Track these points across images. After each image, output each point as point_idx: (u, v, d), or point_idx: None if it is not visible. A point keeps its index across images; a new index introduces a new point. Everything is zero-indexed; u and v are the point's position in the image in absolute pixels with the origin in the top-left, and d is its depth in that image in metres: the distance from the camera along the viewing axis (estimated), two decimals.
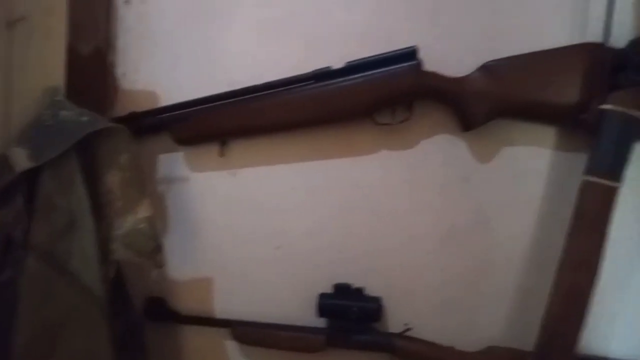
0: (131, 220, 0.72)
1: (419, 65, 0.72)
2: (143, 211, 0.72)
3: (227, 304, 0.86)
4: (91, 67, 0.87)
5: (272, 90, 0.78)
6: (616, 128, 0.64)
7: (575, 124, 0.68)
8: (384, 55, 0.73)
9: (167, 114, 0.83)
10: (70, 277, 0.68)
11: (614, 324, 0.73)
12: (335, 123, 0.78)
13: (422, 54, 0.72)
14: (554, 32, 0.71)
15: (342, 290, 0.79)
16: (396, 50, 0.73)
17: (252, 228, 0.85)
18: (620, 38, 0.66)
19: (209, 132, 0.81)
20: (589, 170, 0.65)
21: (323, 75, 0.75)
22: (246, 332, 0.82)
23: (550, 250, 0.67)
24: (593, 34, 0.68)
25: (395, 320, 0.79)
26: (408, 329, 0.77)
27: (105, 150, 0.72)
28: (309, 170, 0.82)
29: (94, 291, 0.69)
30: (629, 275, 0.73)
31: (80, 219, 0.69)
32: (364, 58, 0.74)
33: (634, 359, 0.72)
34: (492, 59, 0.71)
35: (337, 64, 0.75)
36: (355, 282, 0.79)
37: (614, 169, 0.64)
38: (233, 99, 0.80)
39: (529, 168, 0.74)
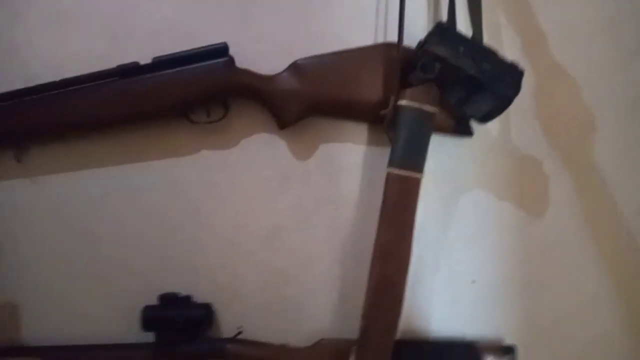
0: None
1: (230, 61, 0.69)
2: None
3: (37, 329, 0.74)
4: None
5: (73, 87, 0.68)
6: (411, 121, 0.66)
7: (379, 119, 0.70)
8: (194, 50, 0.68)
9: None
10: None
11: (430, 306, 0.77)
12: (145, 122, 0.71)
13: (235, 53, 0.69)
14: (359, 33, 0.73)
15: (169, 300, 0.72)
16: (207, 46, 0.69)
17: (60, 241, 0.74)
18: (415, 40, 0.69)
19: (1, 134, 0.69)
20: (391, 162, 0.67)
21: (129, 70, 0.68)
22: (59, 357, 0.71)
23: (367, 242, 0.67)
24: (395, 36, 0.70)
25: (227, 324, 0.75)
26: (240, 332, 0.74)
27: None
28: (123, 174, 0.74)
29: None
30: (438, 259, 0.77)
31: None
32: (173, 53, 0.68)
33: (452, 335, 0.76)
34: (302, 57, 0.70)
35: (145, 60, 0.68)
36: (183, 290, 0.73)
37: (413, 160, 0.67)
38: (28, 97, 0.68)
39: (344, 164, 0.75)
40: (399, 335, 0.68)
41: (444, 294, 0.77)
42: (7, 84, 0.70)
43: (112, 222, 0.74)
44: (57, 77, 0.69)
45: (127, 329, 0.73)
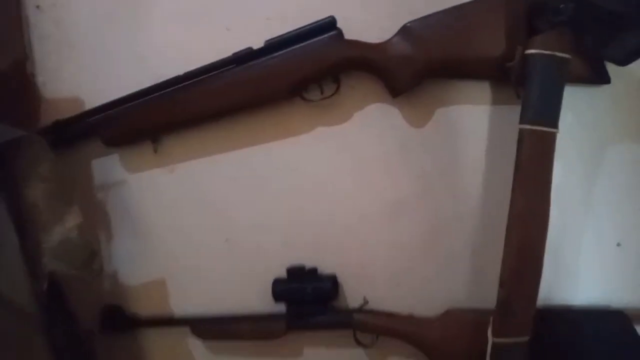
0: (60, 232, 0.61)
1: (339, 34, 0.63)
2: (71, 220, 0.61)
3: (184, 302, 0.76)
4: (11, 81, 0.74)
5: (194, 79, 0.67)
6: (542, 71, 0.56)
7: (504, 74, 0.60)
8: (303, 28, 0.64)
9: (92, 118, 0.71)
10: None
11: (573, 273, 0.67)
12: (264, 105, 0.68)
13: (341, 24, 0.63)
14: None
15: (296, 273, 0.70)
16: (314, 22, 0.63)
17: (197, 223, 0.75)
18: None
19: (137, 130, 0.71)
20: (523, 118, 0.57)
21: (244, 57, 0.65)
22: (206, 328, 0.74)
23: (499, 207, 0.59)
24: None
25: (352, 296, 0.72)
26: (366, 303, 0.70)
27: (23, 163, 0.61)
28: (247, 158, 0.72)
29: (26, 309, 0.59)
30: (580, 222, 0.66)
31: (2, 237, 0.59)
32: (283, 34, 0.64)
33: (596, 304, 0.66)
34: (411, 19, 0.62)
35: (258, 45, 0.65)
36: (309, 263, 0.70)
37: (548, 114, 0.57)
38: (157, 93, 0.69)
39: (465, 127, 0.67)
40: (540, 303, 0.59)
41: (587, 259, 0.66)
42: (138, 83, 0.71)
43: (243, 204, 0.73)
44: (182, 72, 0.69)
45: (260, 301, 0.73)
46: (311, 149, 0.71)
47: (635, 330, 0.62)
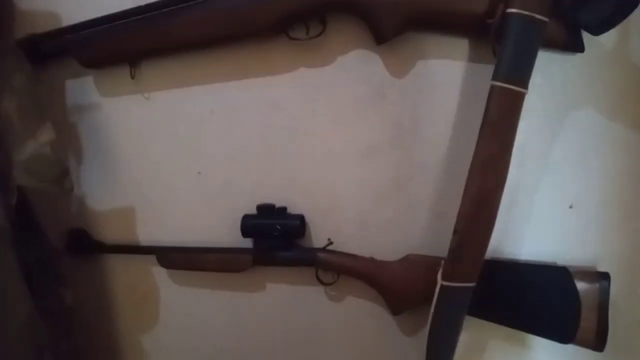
0: (32, 146, 0.62)
1: None
2: (44, 135, 0.62)
3: (151, 231, 0.79)
4: None
5: (180, 6, 0.67)
6: (520, 31, 0.59)
7: (484, 31, 0.63)
8: None
9: (70, 36, 0.71)
10: None
11: (523, 228, 0.72)
12: (248, 39, 0.70)
13: None
14: None
15: (266, 211, 0.73)
16: None
17: (171, 153, 0.76)
18: None
19: (115, 53, 0.71)
20: (496, 75, 0.60)
21: None
22: (172, 257, 0.76)
23: (464, 161, 0.62)
24: None
25: (318, 236, 0.75)
26: (330, 243, 0.74)
27: None
28: (226, 92, 0.74)
29: None
30: (536, 180, 0.71)
31: None
32: None
33: (543, 260, 0.71)
34: None
35: None
36: (278, 202, 0.73)
37: (520, 73, 0.60)
38: (140, 16, 0.69)
39: (442, 81, 0.70)
40: (489, 254, 0.64)
41: (538, 215, 0.71)
42: (119, 3, 0.70)
43: (217, 137, 0.75)
44: None
45: (228, 236, 0.76)
46: (291, 88, 0.72)
47: (575, 286, 0.67)
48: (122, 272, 0.81)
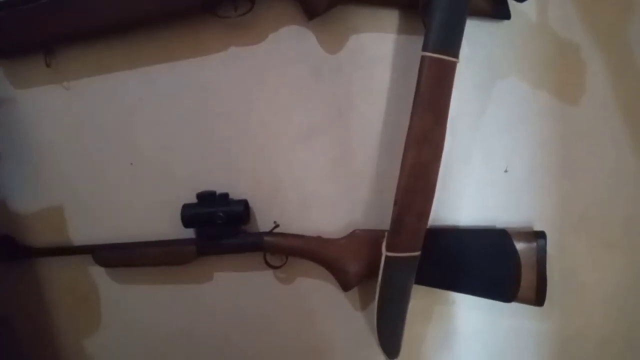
0: None
1: None
2: None
3: (85, 230, 0.77)
4: None
5: None
6: (447, 2, 0.62)
7: (415, 2, 0.66)
8: None
9: None
10: None
11: (461, 195, 0.77)
12: (173, 19, 0.69)
13: None
14: None
15: (207, 198, 0.73)
16: None
17: (98, 145, 0.75)
18: None
19: (26, 39, 0.68)
20: (426, 46, 0.64)
21: None
22: (109, 254, 0.75)
23: (401, 133, 0.66)
24: None
25: (264, 220, 0.77)
26: (276, 226, 0.76)
27: None
28: (155, 76, 0.73)
29: None
30: (471, 148, 0.76)
31: None
32: None
33: (482, 225, 0.77)
34: None
35: None
36: (220, 188, 0.74)
37: (449, 43, 0.64)
38: None
39: (375, 55, 0.73)
40: (430, 223, 0.69)
41: (475, 182, 0.76)
42: None
43: (148, 125, 0.74)
44: None
45: (170, 228, 0.76)
46: (223, 69, 0.73)
47: (514, 246, 0.72)
48: (56, 275, 0.79)
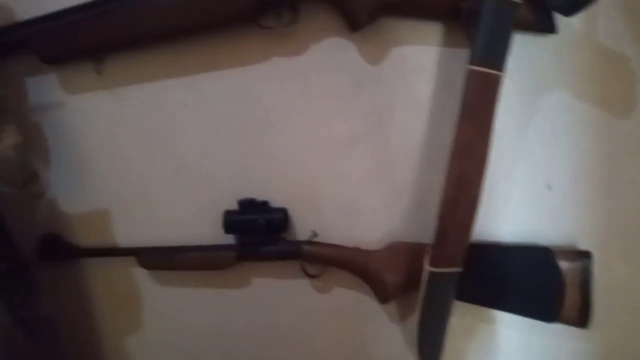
0: None
1: None
2: (8, 138, 0.62)
3: (129, 232, 0.80)
4: None
5: None
6: (494, 14, 0.62)
7: (457, 15, 0.66)
8: None
9: (29, 29, 0.70)
10: None
11: (504, 211, 0.76)
12: (218, 29, 0.71)
13: None
14: None
15: (247, 205, 0.75)
16: None
17: (144, 151, 0.77)
18: None
19: (79, 47, 0.70)
20: (471, 60, 0.63)
21: None
22: (153, 257, 0.77)
23: (443, 145, 0.66)
24: None
25: (302, 228, 0.78)
26: (315, 235, 0.77)
27: None
28: (199, 84, 0.74)
29: None
30: (514, 163, 0.75)
31: None
32: None
33: (525, 241, 0.76)
34: None
35: None
36: (260, 195, 0.75)
37: (495, 56, 0.64)
38: (102, 7, 0.68)
39: (417, 66, 0.72)
40: (473, 238, 0.68)
41: (518, 198, 0.75)
42: None
43: (192, 131, 0.76)
44: None
45: (210, 233, 0.77)
46: (265, 78, 0.74)
47: (558, 265, 0.71)
48: (101, 275, 0.82)
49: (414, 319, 0.72)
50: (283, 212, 0.75)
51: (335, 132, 0.75)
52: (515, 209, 0.76)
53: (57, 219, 0.79)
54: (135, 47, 0.73)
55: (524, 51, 0.70)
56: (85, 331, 0.83)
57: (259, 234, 0.74)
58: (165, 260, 0.77)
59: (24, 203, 0.75)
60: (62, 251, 0.79)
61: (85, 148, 0.77)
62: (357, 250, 0.76)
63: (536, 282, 0.72)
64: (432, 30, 0.71)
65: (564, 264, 0.71)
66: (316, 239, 0.76)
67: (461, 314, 0.75)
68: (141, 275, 0.81)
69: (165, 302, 0.82)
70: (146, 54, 0.73)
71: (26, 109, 0.76)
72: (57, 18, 0.69)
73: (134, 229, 0.80)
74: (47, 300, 0.73)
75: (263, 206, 0.76)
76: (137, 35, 0.70)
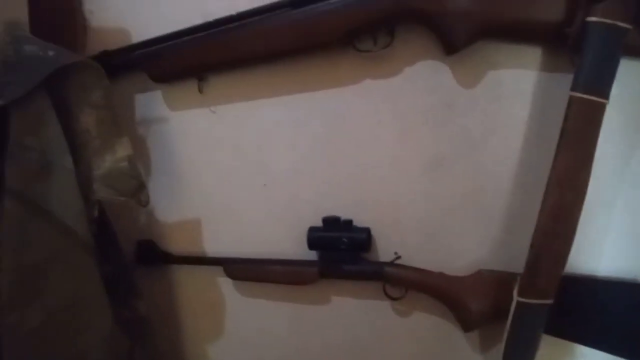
0: (110, 160, 0.68)
1: None
2: (122, 150, 0.68)
3: (217, 242, 0.85)
4: (57, 5, 0.80)
5: (247, 20, 0.72)
6: (602, 40, 0.60)
7: (561, 40, 0.64)
8: None
9: (141, 51, 0.77)
10: (51, 218, 0.64)
11: (601, 243, 0.72)
12: (315, 52, 0.73)
13: None
14: None
15: (332, 223, 0.77)
16: None
17: (237, 166, 0.81)
18: None
19: (184, 67, 0.77)
20: (575, 86, 0.61)
21: (299, 1, 0.70)
22: (239, 268, 0.81)
23: (537, 173, 0.65)
24: None
25: (385, 249, 0.78)
26: (398, 257, 0.77)
27: (77, 88, 0.67)
28: (292, 104, 0.78)
29: (78, 232, 0.66)
30: (615, 193, 0.71)
31: (57, 159, 0.65)
32: None
33: (621, 277, 0.72)
34: None
35: None
36: (344, 214, 0.77)
37: (600, 84, 0.61)
38: (207, 32, 0.74)
39: (513, 91, 0.71)
40: (565, 270, 0.65)
41: (617, 230, 0.71)
42: (188, 20, 0.76)
43: (283, 149, 0.80)
44: (233, 12, 0.73)
45: (294, 248, 0.80)
46: (357, 100, 0.76)
47: None
48: (189, 282, 0.87)
49: (498, 350, 0.69)
50: (367, 232, 0.76)
51: (423, 153, 0.75)
52: (614, 241, 0.72)
53: (154, 226, 0.85)
54: (235, 68, 0.77)
55: (631, 78, 0.67)
56: (171, 334, 0.88)
57: (341, 252, 0.76)
58: (250, 271, 0.81)
59: (125, 209, 0.81)
60: (156, 257, 0.85)
61: (183, 161, 0.83)
62: (441, 275, 0.75)
63: (631, 320, 0.68)
64: (531, 54, 0.70)
65: None
66: (399, 261, 0.77)
67: (549, 349, 0.71)
68: (227, 285, 0.85)
69: (248, 312, 0.85)
70: (244, 74, 0.78)
71: (133, 122, 0.83)
72: (168, 40, 0.76)
73: (223, 239, 0.84)
74: (144, 302, 0.78)
75: (347, 225, 0.77)
76: (238, 57, 0.75)
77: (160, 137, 0.83)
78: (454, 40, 0.68)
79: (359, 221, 0.77)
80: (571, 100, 0.62)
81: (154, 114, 0.83)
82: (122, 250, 0.79)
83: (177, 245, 0.86)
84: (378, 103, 0.75)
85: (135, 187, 0.69)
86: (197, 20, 0.75)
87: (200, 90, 0.79)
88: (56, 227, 0.65)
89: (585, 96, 0.61)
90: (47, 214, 0.63)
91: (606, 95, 0.62)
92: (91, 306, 0.67)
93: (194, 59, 0.76)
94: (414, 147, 0.75)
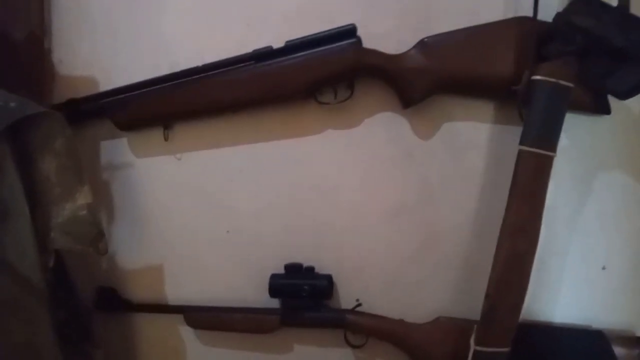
0: (70, 208, 0.67)
1: (358, 42, 0.70)
2: (82, 198, 0.67)
3: (179, 290, 0.83)
4: (26, 53, 0.80)
5: (213, 72, 0.74)
6: (546, 97, 0.63)
7: (510, 96, 0.67)
8: (324, 33, 0.70)
9: (107, 99, 0.77)
10: (4, 267, 0.62)
11: (556, 291, 0.74)
12: (278, 103, 0.75)
13: (362, 33, 0.70)
14: (488, 9, 0.70)
15: (293, 270, 0.76)
16: (335, 28, 0.70)
17: (200, 212, 0.81)
18: (548, 12, 0.66)
19: (150, 116, 0.77)
20: (524, 140, 0.64)
21: (263, 55, 0.72)
22: (199, 317, 0.79)
23: (494, 221, 0.66)
24: (524, 10, 0.68)
25: (346, 296, 0.78)
26: (359, 305, 0.76)
27: (38, 136, 0.66)
28: (256, 152, 0.79)
29: (32, 281, 0.64)
30: (568, 242, 0.74)
31: (14, 207, 0.63)
32: (304, 37, 0.71)
33: (577, 323, 0.73)
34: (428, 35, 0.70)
35: (278, 44, 0.72)
36: (306, 261, 0.77)
37: (547, 137, 0.64)
38: (174, 82, 0.75)
39: (468, 142, 0.74)
40: (521, 317, 0.66)
41: (571, 278, 0.73)
42: (154, 69, 0.77)
43: (246, 196, 0.80)
44: (199, 63, 0.74)
45: (256, 295, 0.79)
46: (319, 150, 0.77)
47: (612, 351, 0.68)
48: (149, 330, 0.84)
49: None
50: (328, 279, 0.76)
51: (384, 201, 0.76)
52: (567, 289, 0.74)
53: (116, 272, 0.83)
54: (200, 117, 0.78)
55: (579, 130, 0.71)
56: None
57: (303, 299, 0.75)
58: (211, 320, 0.79)
59: (86, 256, 0.80)
60: (116, 304, 0.82)
61: (147, 207, 0.82)
62: (401, 322, 0.75)
63: None
64: (484, 107, 0.73)
65: (619, 350, 0.68)
66: (360, 308, 0.76)
67: None
68: (188, 333, 0.83)
69: None
70: (210, 123, 0.79)
71: (97, 169, 0.82)
72: (135, 89, 0.76)
73: (185, 286, 0.83)
74: (101, 351, 0.75)
75: (309, 272, 0.77)
76: (204, 107, 0.76)
77: (125, 183, 0.82)
78: (411, 95, 0.70)
79: (321, 268, 0.77)
80: (520, 154, 0.65)
81: (119, 160, 0.82)
82: (79, 297, 0.77)
83: (139, 292, 0.84)
84: (339, 152, 0.77)
85: (94, 235, 0.68)
86: (164, 70, 0.76)
87: (166, 138, 0.79)
88: (9, 276, 0.63)
89: (533, 149, 0.64)
90: (2, 264, 0.62)
91: (553, 148, 0.64)
92: (42, 355, 0.64)
93: (160, 107, 0.76)
94: (374, 195, 0.77)
